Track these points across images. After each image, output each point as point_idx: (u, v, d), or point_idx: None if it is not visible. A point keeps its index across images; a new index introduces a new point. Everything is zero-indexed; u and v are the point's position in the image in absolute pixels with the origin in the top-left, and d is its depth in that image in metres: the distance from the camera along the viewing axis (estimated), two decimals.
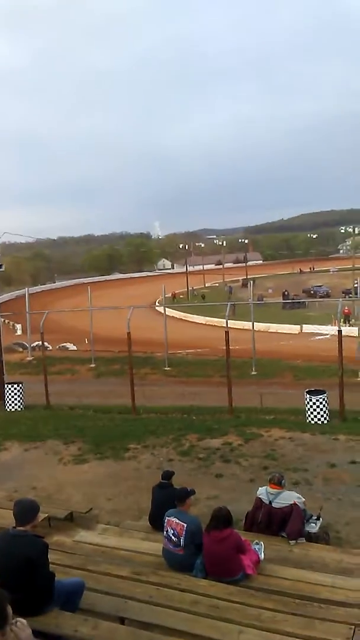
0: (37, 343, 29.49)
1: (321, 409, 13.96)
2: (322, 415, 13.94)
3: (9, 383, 18.41)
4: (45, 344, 21.90)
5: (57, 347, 32.77)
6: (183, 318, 51.09)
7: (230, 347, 16.08)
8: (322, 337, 35.55)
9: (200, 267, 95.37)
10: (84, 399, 18.60)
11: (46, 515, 8.24)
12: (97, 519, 8.82)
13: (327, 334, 33.91)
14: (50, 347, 30.13)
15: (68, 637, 4.94)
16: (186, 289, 74.81)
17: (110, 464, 11.72)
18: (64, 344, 34.23)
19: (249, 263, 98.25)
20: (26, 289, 37.93)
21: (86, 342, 30.96)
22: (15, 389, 17.93)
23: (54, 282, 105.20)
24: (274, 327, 41.13)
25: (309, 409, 14.09)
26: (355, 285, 56.38)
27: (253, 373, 21.80)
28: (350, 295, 51.96)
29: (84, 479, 10.94)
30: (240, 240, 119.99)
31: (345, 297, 48.67)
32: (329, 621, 5.05)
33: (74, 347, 33.60)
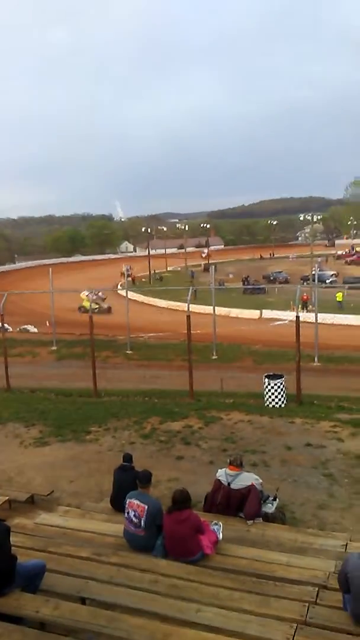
0: None
1: (279, 393, 14.25)
2: (279, 399, 14.24)
3: None
4: (6, 325, 21.56)
5: (18, 329, 32.27)
6: (145, 302, 50.99)
7: (192, 331, 16.19)
8: (281, 322, 36.11)
9: (163, 251, 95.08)
10: (45, 382, 18.47)
11: (7, 498, 8.26)
12: (58, 502, 8.86)
13: (286, 320, 34.46)
14: (11, 329, 29.65)
15: (29, 617, 5.01)
16: (148, 272, 74.58)
17: (71, 446, 11.73)
18: (25, 326, 33.73)
19: (211, 248, 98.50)
20: None
21: (47, 324, 30.61)
22: None
23: (14, 263, 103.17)
24: (234, 312, 41.51)
25: (267, 393, 14.36)
26: (314, 272, 57.29)
27: (214, 357, 22.01)
28: (309, 281, 52.71)
29: (45, 461, 10.93)
30: (202, 225, 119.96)
31: (303, 284, 49.42)
32: (284, 599, 5.26)
33: (35, 330, 33.16)
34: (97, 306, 37.95)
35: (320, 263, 63.71)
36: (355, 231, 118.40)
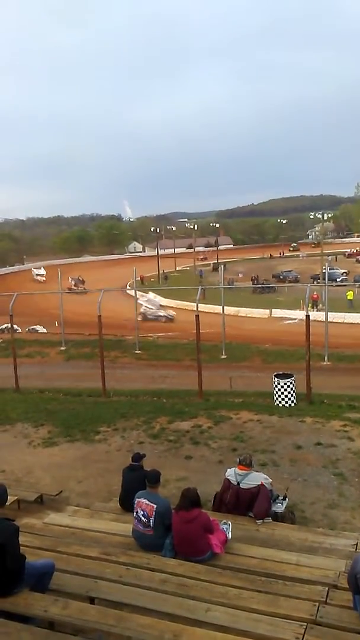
0: (5, 325, 29.15)
1: (289, 392, 14.18)
2: (289, 398, 14.17)
3: None
4: (15, 326, 21.62)
5: (27, 329, 32.37)
6: None
7: (201, 331, 16.15)
8: (290, 321, 36.01)
9: (172, 251, 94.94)
10: (54, 382, 18.50)
11: (16, 498, 8.26)
12: (67, 502, 8.87)
13: (296, 319, 34.37)
14: (20, 330, 29.77)
15: (38, 617, 5.01)
16: (157, 272, 74.57)
17: (80, 446, 11.74)
18: (34, 326, 33.83)
19: (220, 247, 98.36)
20: None
21: (56, 325, 30.69)
22: None
23: (23, 264, 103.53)
24: (244, 311, 41.45)
25: (277, 392, 14.30)
26: (324, 270, 57.08)
27: (223, 357, 21.97)
28: (319, 280, 52.50)
29: (54, 461, 10.95)
30: (211, 224, 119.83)
31: (313, 283, 49.22)
32: (293, 598, 5.22)
33: (44, 330, 33.25)
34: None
35: (331, 262, 63.37)
36: None
